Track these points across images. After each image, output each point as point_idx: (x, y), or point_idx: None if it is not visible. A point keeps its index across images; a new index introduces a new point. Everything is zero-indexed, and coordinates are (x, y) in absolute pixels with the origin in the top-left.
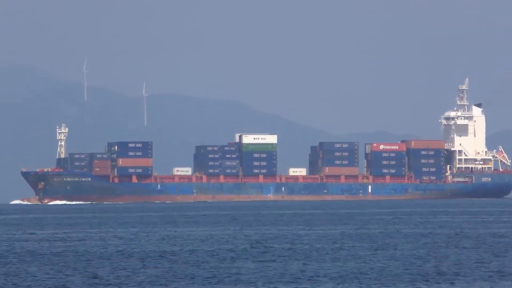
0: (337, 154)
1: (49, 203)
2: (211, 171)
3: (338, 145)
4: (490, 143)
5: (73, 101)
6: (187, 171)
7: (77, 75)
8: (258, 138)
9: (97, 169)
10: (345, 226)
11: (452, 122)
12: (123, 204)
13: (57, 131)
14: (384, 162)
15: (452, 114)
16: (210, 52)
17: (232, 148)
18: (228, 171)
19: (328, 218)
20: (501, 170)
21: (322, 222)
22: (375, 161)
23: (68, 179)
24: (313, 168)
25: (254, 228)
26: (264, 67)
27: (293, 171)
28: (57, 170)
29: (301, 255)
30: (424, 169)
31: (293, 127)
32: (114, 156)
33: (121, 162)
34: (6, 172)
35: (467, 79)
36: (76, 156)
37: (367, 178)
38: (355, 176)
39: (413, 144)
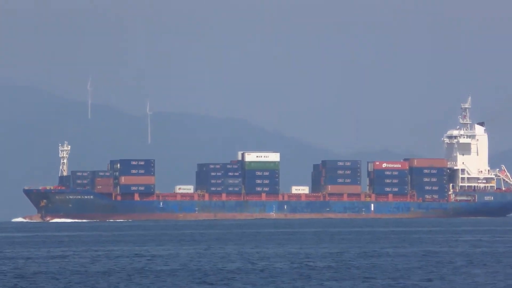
0: (339, 172)
1: (51, 221)
2: (213, 189)
3: (341, 163)
4: (494, 162)
5: (77, 119)
6: (189, 189)
7: (81, 93)
8: (261, 156)
9: (100, 186)
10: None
11: (455, 140)
12: (124, 222)
13: (60, 149)
14: (387, 181)
15: (455, 132)
16: (215, 70)
17: (235, 166)
18: (230, 189)
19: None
20: (503, 189)
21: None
22: (377, 179)
23: (71, 197)
24: (315, 186)
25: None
26: (269, 85)
27: (296, 189)
28: (59, 188)
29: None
30: (427, 188)
31: (296, 145)
32: (117, 173)
33: (123, 180)
34: (9, 190)
35: (469, 98)
36: (79, 174)
37: (370, 196)
38: (358, 195)
39: (415, 163)
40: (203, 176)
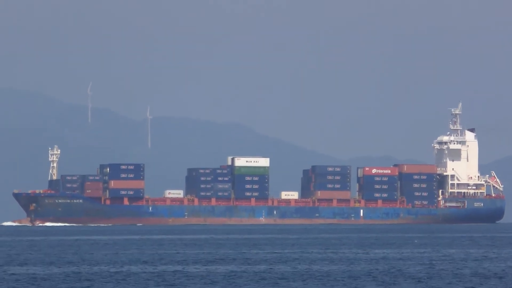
0: (329, 178)
1: (40, 225)
2: (203, 193)
3: (330, 169)
4: (484, 169)
5: (77, 123)
6: (179, 193)
7: (82, 97)
8: (251, 161)
9: (89, 191)
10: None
11: (445, 146)
12: (111, 227)
13: (49, 153)
14: (376, 186)
15: (445, 138)
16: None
17: (224, 171)
18: (220, 194)
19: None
20: (493, 195)
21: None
22: (367, 185)
23: (60, 201)
24: (305, 191)
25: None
26: (269, 92)
27: (285, 195)
28: (48, 191)
29: None
30: (416, 194)
31: (290, 149)
32: (106, 178)
33: (113, 184)
34: None
35: (460, 104)
36: (68, 178)
37: (359, 202)
38: (347, 200)
39: (405, 169)
40: (192, 181)
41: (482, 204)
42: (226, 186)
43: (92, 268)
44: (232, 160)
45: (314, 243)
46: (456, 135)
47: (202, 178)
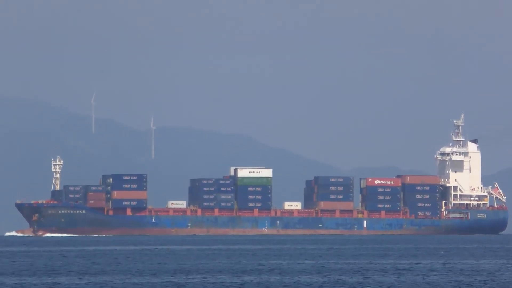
0: (332, 188)
1: (43, 235)
2: (205, 204)
3: (333, 180)
4: (487, 180)
5: (81, 133)
6: (181, 204)
7: (85, 107)
8: (253, 172)
9: (92, 201)
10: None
11: (448, 157)
12: (114, 237)
13: (52, 163)
14: (380, 197)
15: (448, 149)
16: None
17: (227, 182)
18: (223, 204)
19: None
20: (496, 206)
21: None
22: (370, 196)
23: (63, 211)
24: (308, 202)
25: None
26: (273, 102)
27: (288, 205)
28: (51, 202)
29: None
30: (419, 205)
31: (293, 159)
32: (109, 188)
33: (115, 194)
34: (1, 204)
35: (462, 115)
36: (71, 188)
37: (362, 213)
38: (350, 211)
39: (408, 180)
40: (195, 192)
41: (485, 215)
42: (229, 197)
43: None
44: (235, 170)
45: (373, 254)
46: (459, 146)
47: (205, 189)
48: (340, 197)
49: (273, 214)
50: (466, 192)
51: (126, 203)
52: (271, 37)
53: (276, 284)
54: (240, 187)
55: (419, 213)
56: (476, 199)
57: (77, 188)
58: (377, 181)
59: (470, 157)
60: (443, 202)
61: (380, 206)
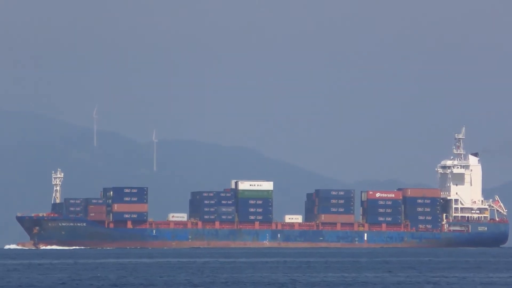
0: (333, 201)
1: (44, 248)
2: (206, 217)
3: (334, 193)
4: (488, 193)
5: (83, 146)
6: (182, 216)
7: (87, 120)
8: (254, 185)
9: (92, 214)
10: None
11: (449, 171)
12: (114, 250)
13: (53, 176)
14: (380, 210)
15: (449, 163)
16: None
17: (228, 194)
18: (223, 217)
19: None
20: (497, 219)
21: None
22: (371, 209)
23: (63, 224)
24: (309, 215)
25: None
26: (274, 115)
27: (289, 218)
28: (52, 215)
29: None
30: (420, 218)
31: (295, 172)
32: (110, 201)
33: (116, 207)
34: (1, 217)
35: (463, 128)
36: (72, 201)
37: (363, 226)
38: (351, 224)
39: (409, 193)
40: (196, 204)
41: (486, 228)
42: (230, 210)
43: None
44: (236, 183)
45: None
46: (460, 160)
47: (206, 202)
48: (341, 210)
49: (274, 227)
50: (467, 205)
51: (126, 215)
52: (272, 49)
53: None
54: (241, 200)
55: (420, 226)
56: (477, 212)
57: (78, 201)
58: (378, 194)
59: (471, 170)
60: (444, 215)
61: (381, 219)
